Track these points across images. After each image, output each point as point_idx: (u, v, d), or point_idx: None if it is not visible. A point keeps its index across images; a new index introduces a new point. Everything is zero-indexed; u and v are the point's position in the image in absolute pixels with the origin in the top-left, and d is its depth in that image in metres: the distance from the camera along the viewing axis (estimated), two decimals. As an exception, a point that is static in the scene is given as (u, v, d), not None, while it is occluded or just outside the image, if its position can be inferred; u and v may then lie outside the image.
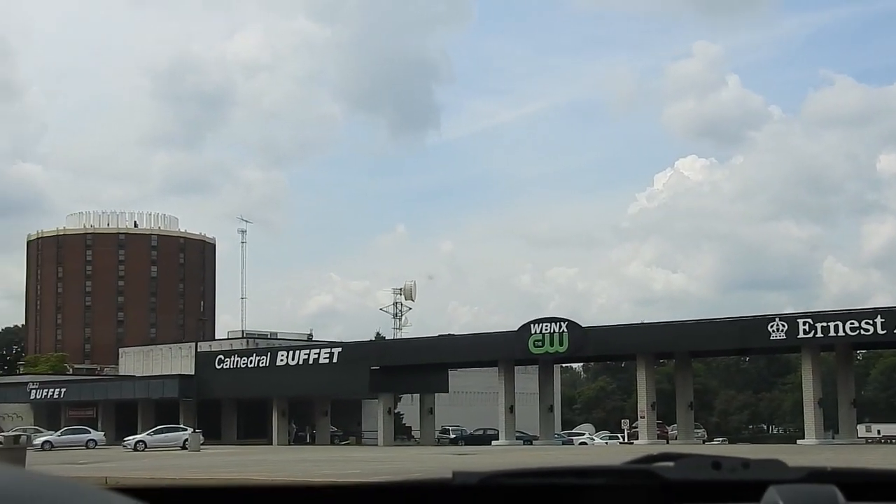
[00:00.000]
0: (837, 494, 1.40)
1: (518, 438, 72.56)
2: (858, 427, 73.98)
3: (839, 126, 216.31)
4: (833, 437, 63.53)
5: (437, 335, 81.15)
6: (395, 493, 1.60)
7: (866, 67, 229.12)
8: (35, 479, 0.92)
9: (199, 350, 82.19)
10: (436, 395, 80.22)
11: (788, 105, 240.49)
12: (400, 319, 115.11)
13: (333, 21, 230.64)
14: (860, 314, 59.05)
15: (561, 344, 66.50)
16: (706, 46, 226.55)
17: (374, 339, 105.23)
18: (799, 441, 61.64)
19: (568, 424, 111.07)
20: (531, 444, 71.80)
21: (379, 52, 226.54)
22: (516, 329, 68.73)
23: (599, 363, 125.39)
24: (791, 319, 59.97)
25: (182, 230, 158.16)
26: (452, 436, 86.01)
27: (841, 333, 58.25)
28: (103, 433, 77.12)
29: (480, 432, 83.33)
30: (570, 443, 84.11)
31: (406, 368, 73.62)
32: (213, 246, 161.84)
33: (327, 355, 77.56)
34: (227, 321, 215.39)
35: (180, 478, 28.53)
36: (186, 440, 66.22)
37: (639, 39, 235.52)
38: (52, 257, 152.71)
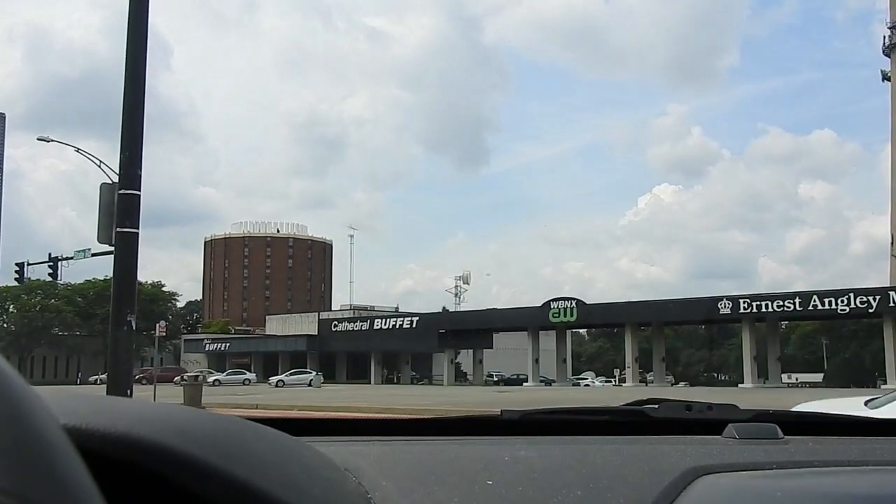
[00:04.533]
0: (777, 430, 1.40)
1: (541, 381, 72.17)
2: (782, 376, 72.56)
3: (771, 163, 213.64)
4: (764, 383, 62.35)
5: (485, 308, 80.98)
6: (456, 424, 1.58)
7: (792, 121, 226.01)
8: (203, 415, 0.81)
9: (320, 318, 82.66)
10: (484, 350, 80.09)
11: (736, 148, 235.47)
12: (459, 297, 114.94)
13: (417, 89, 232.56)
14: (784, 295, 58.19)
15: (572, 315, 66.13)
16: (677, 106, 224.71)
17: (441, 311, 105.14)
18: (740, 385, 60.69)
19: (576, 372, 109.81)
20: (550, 385, 71.38)
21: (448, 110, 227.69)
22: (540, 305, 68.47)
23: (599, 329, 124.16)
24: (735, 299, 59.10)
25: (310, 235, 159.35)
26: (495, 379, 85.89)
27: (770, 309, 57.33)
28: (255, 375, 77.74)
29: (515, 377, 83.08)
30: (578, 385, 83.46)
31: (464, 332, 73.59)
32: (331, 246, 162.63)
33: (409, 322, 77.77)
34: (340, 297, 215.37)
35: (305, 405, 28.62)
36: (312, 380, 66.74)
37: (631, 101, 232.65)
38: (221, 253, 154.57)
